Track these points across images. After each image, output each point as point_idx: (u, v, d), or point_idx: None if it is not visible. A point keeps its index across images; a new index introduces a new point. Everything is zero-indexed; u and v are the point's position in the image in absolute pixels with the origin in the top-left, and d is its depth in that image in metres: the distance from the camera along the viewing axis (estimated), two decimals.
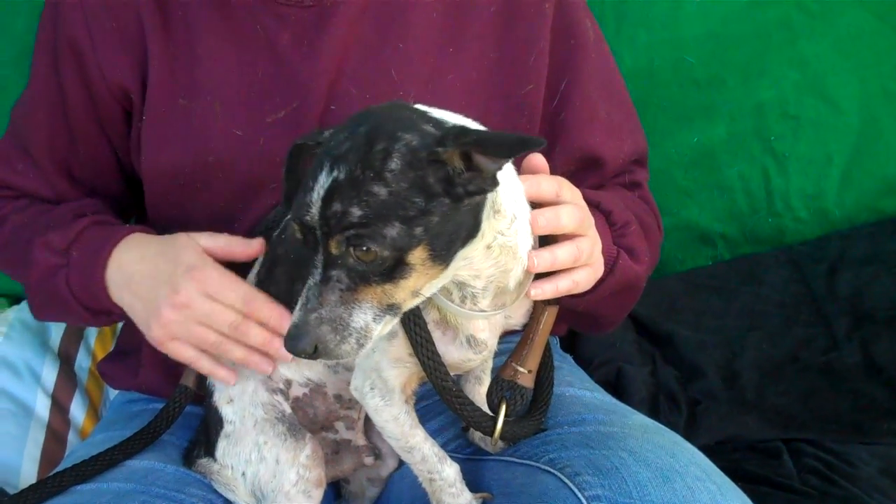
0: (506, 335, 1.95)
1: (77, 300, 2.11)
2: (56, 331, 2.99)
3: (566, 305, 1.90)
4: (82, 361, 2.98)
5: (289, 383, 2.07)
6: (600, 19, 3.30)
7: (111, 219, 2.23)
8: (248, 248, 2.01)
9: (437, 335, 1.78)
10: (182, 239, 2.00)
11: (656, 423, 2.06)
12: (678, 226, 3.56)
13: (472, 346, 1.81)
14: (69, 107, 2.21)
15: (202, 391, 2.15)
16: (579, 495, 1.76)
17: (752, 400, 2.81)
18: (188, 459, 2.16)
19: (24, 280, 2.21)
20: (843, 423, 2.70)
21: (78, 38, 2.13)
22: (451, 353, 1.81)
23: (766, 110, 3.46)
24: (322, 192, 1.49)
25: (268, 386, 2.06)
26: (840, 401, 2.77)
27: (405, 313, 1.63)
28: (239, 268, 2.03)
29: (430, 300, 1.70)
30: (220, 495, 2.10)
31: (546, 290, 1.78)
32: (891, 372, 2.82)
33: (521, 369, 1.90)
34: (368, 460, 2.20)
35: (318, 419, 2.11)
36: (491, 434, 1.91)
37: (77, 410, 2.87)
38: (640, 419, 2.08)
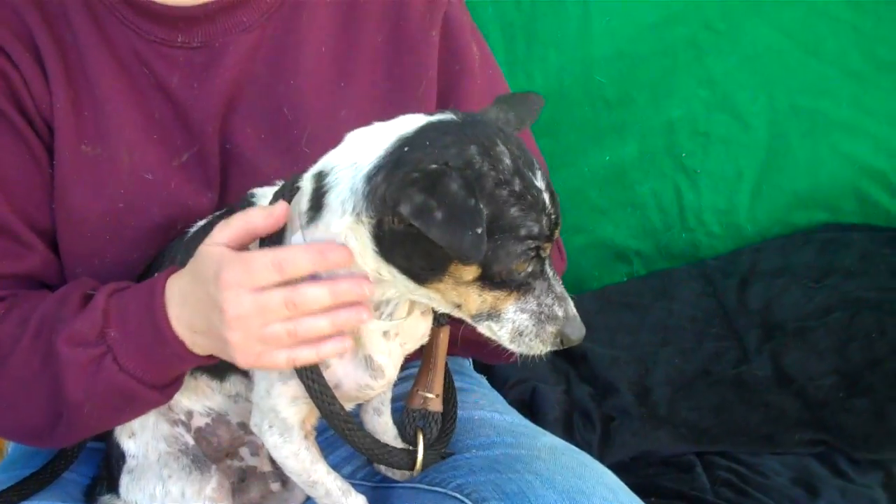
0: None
1: (139, 381, 1.82)
2: None
3: (469, 336, 1.89)
4: None
5: (190, 414, 2.02)
6: (511, 40, 3.37)
7: (122, 283, 1.95)
8: (270, 216, 1.70)
9: (334, 360, 1.75)
10: (201, 253, 1.73)
11: (566, 444, 2.05)
12: (593, 243, 3.59)
13: (371, 370, 1.78)
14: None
15: None
16: None
17: (664, 415, 2.82)
18: (90, 497, 2.11)
19: (57, 402, 1.87)
20: (755, 435, 2.72)
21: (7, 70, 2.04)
22: (350, 376, 1.78)
23: (676, 128, 3.51)
24: (549, 195, 1.56)
25: (168, 418, 2.01)
26: (751, 413, 2.78)
27: None
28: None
29: None
30: None
31: None
32: (800, 382, 2.85)
33: (429, 395, 1.91)
34: (275, 486, 2.16)
35: (223, 447, 2.07)
36: (398, 467, 1.92)
37: None
38: (549, 440, 2.07)
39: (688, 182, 3.55)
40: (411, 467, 1.92)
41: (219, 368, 1.84)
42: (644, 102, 3.48)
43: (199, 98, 2.02)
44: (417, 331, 1.84)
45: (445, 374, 2.01)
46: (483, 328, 1.64)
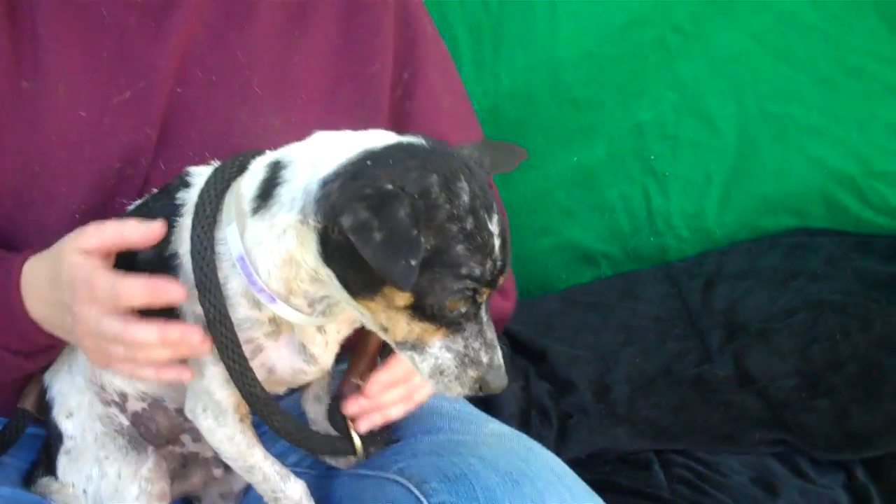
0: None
1: (3, 347, 1.89)
2: None
3: None
4: None
5: (124, 396, 1.99)
6: (478, 41, 3.37)
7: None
8: (148, 233, 1.68)
9: (269, 343, 1.74)
10: (62, 255, 1.75)
11: (514, 431, 2.04)
12: (561, 246, 3.57)
13: (305, 355, 1.77)
14: None
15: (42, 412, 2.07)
16: (425, 502, 1.74)
17: (623, 413, 2.78)
18: (29, 480, 2.08)
19: None
20: (714, 434, 2.68)
21: None
22: (284, 360, 1.77)
23: (644, 130, 3.49)
24: (500, 242, 1.55)
25: (101, 398, 1.99)
26: (711, 412, 2.75)
27: (209, 315, 1.65)
28: None
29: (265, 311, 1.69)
30: None
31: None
32: (762, 382, 2.81)
33: (360, 383, 1.88)
34: (217, 472, 2.13)
35: (162, 433, 2.04)
36: (323, 452, 1.95)
37: None
38: (496, 427, 2.06)
39: (656, 185, 3.53)
40: (342, 453, 1.94)
41: None
42: (612, 104, 3.46)
43: (155, 39, 2.02)
44: (350, 315, 1.80)
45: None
46: (405, 356, 1.63)
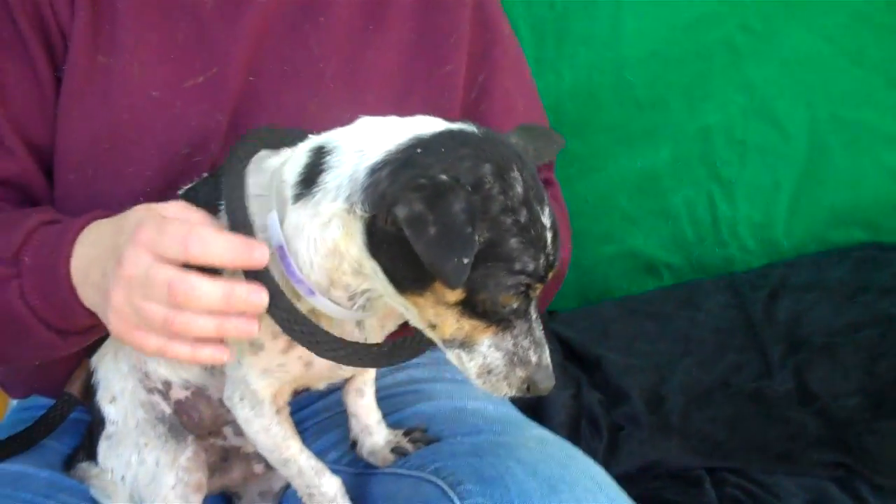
0: None
1: (38, 318, 1.78)
2: None
3: None
4: None
5: (168, 384, 1.98)
6: (541, 37, 3.31)
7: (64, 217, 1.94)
8: (249, 252, 1.54)
9: None
10: (135, 209, 1.67)
11: (557, 437, 1.97)
12: (622, 254, 3.50)
13: None
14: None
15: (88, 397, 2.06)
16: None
17: (676, 425, 2.70)
18: (69, 464, 2.08)
19: None
20: (771, 452, 2.58)
21: None
22: None
23: (711, 134, 3.40)
24: (551, 235, 1.50)
25: (145, 385, 1.98)
26: (769, 429, 2.65)
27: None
28: None
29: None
30: (95, 503, 2.02)
31: None
32: (824, 400, 2.70)
33: None
34: (258, 468, 2.12)
35: (205, 424, 2.02)
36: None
37: None
38: (539, 432, 2.00)
39: (722, 192, 3.43)
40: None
41: None
42: (678, 106, 3.38)
43: (231, 22, 2.02)
44: (395, 310, 1.75)
45: None
46: (452, 356, 1.58)
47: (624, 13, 3.29)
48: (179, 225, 1.54)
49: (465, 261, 1.39)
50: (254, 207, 1.62)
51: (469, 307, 1.50)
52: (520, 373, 1.55)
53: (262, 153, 1.70)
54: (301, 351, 1.69)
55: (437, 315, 1.53)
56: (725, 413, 2.72)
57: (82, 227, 1.73)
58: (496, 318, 1.52)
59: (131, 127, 1.99)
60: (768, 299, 3.15)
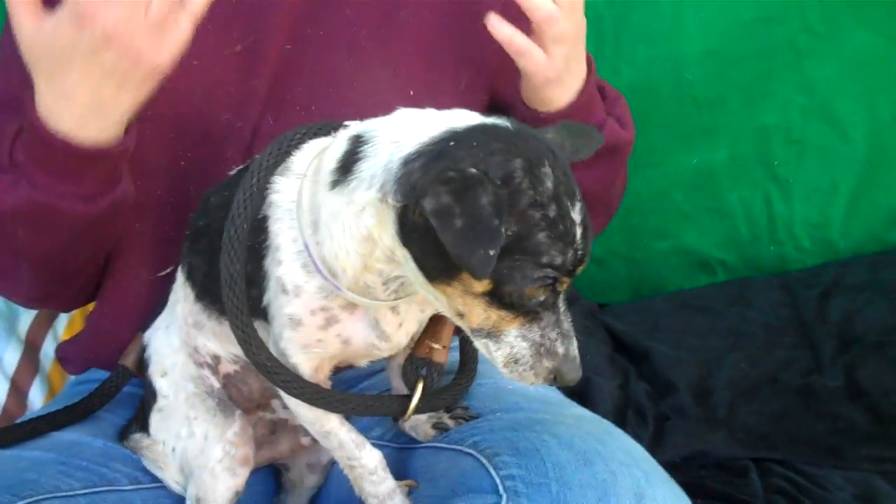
0: None
1: (56, 193, 1.85)
2: (25, 317, 2.95)
3: None
4: (48, 350, 2.94)
5: (217, 359, 2.02)
6: (599, 34, 3.31)
7: None
8: None
9: (344, 315, 1.72)
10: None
11: (595, 415, 1.99)
12: (677, 250, 3.49)
13: (379, 331, 1.75)
14: None
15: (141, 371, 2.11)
16: (494, 475, 1.70)
17: (722, 417, 2.69)
18: (122, 435, 2.12)
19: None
20: (818, 446, 2.56)
21: None
22: (359, 333, 1.75)
23: (769, 134, 3.38)
24: (581, 230, 1.52)
25: (195, 359, 2.02)
26: (817, 423, 2.63)
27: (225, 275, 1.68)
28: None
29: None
30: (148, 473, 2.05)
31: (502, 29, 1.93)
32: (874, 396, 2.68)
33: (435, 346, 1.86)
34: (305, 440, 2.14)
35: (254, 397, 2.07)
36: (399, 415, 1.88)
37: (35, 396, 2.83)
38: (578, 410, 2.02)
39: (779, 192, 3.41)
40: (390, 412, 1.90)
41: None
42: (736, 105, 3.36)
43: None
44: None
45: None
46: (480, 344, 1.61)
47: (685, 10, 3.28)
48: None
49: (492, 253, 1.41)
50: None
51: (496, 298, 1.52)
52: (547, 363, 1.57)
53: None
54: (339, 328, 1.72)
55: (464, 304, 1.55)
56: (773, 407, 2.71)
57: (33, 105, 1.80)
58: (523, 310, 1.54)
59: (171, 94, 1.98)
60: (821, 297, 3.13)
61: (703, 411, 2.72)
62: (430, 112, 1.62)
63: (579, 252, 1.51)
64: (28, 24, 1.72)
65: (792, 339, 2.99)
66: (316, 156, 1.67)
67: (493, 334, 1.57)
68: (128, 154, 1.89)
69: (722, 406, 2.73)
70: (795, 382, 2.79)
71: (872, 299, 3.06)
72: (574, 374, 1.58)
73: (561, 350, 1.57)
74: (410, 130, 1.55)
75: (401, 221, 1.52)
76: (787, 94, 3.35)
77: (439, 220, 1.41)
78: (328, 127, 1.72)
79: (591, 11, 3.27)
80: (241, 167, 1.89)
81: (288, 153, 1.70)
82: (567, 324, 1.58)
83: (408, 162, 1.51)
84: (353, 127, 1.67)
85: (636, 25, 3.31)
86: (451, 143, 1.50)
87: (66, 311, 2.56)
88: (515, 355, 1.57)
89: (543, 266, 1.48)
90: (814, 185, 3.40)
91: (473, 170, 1.44)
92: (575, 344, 1.59)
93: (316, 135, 1.72)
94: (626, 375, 2.87)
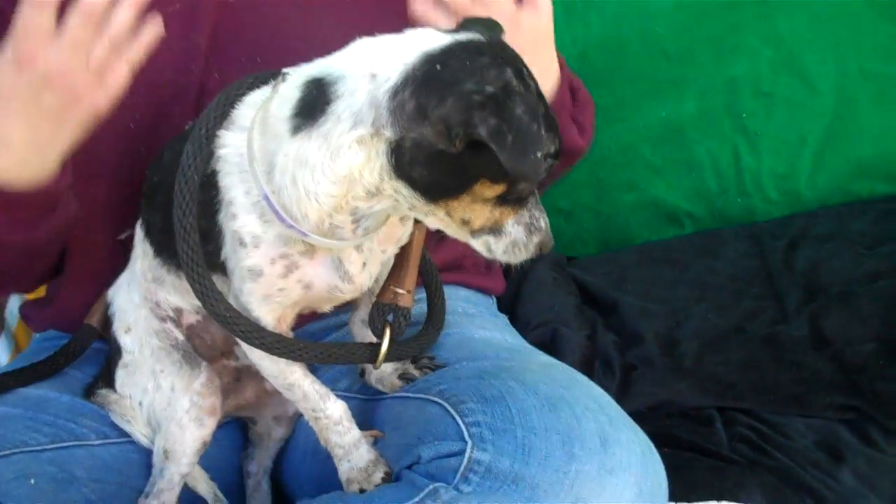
0: None
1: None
2: None
3: None
4: (13, 307, 2.94)
5: (179, 311, 2.04)
6: None
7: None
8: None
9: (304, 261, 1.73)
10: None
11: (561, 363, 2.01)
12: (644, 202, 3.48)
13: (341, 272, 1.77)
14: None
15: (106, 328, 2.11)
16: (459, 422, 1.73)
17: (689, 367, 2.71)
18: (89, 392, 2.13)
19: None
20: (783, 395, 2.58)
21: None
22: (321, 277, 1.76)
23: (738, 86, 3.37)
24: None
25: (157, 314, 2.04)
26: (781, 372, 2.65)
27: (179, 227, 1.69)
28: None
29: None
30: (116, 427, 2.07)
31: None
32: (838, 346, 2.69)
33: (399, 291, 1.88)
34: (269, 386, 2.12)
35: (217, 345, 2.09)
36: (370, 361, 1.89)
37: (1, 353, 2.85)
38: (545, 358, 2.04)
39: (747, 144, 3.40)
40: (360, 360, 1.93)
41: None
42: (705, 58, 3.35)
43: None
44: (395, 234, 1.82)
45: (434, 280, 2.04)
46: (479, 243, 1.66)
47: None
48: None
49: (539, 154, 1.48)
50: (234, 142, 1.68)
51: (503, 197, 1.59)
52: (535, 238, 1.66)
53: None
54: (299, 274, 1.74)
55: (471, 212, 1.60)
56: (739, 357, 2.72)
57: None
58: (522, 200, 1.62)
59: None
60: (788, 248, 3.14)
61: (669, 361, 2.74)
62: (386, 38, 1.61)
63: (559, 138, 1.57)
64: None
65: (758, 290, 2.99)
66: (261, 107, 1.66)
67: (494, 230, 1.64)
68: (62, 188, 1.88)
69: (688, 356, 2.75)
70: (761, 332, 2.80)
71: (838, 250, 3.06)
72: (552, 242, 1.70)
73: (542, 224, 1.66)
74: (383, 61, 1.55)
75: (396, 153, 1.53)
76: (756, 47, 3.34)
77: (496, 141, 1.45)
78: (274, 76, 1.71)
79: None
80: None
81: (233, 105, 1.69)
82: (537, 197, 1.67)
83: (397, 92, 1.51)
84: (302, 72, 1.65)
85: None
86: (437, 66, 1.51)
87: (29, 292, 2.54)
88: (514, 241, 1.65)
89: (547, 157, 1.52)
90: (781, 137, 3.39)
91: (491, 87, 1.48)
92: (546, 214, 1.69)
93: (263, 84, 1.71)
94: (594, 327, 2.87)
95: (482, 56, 1.52)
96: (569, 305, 2.89)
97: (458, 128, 1.47)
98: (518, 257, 1.67)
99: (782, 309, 2.90)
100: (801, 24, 3.32)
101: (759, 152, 3.41)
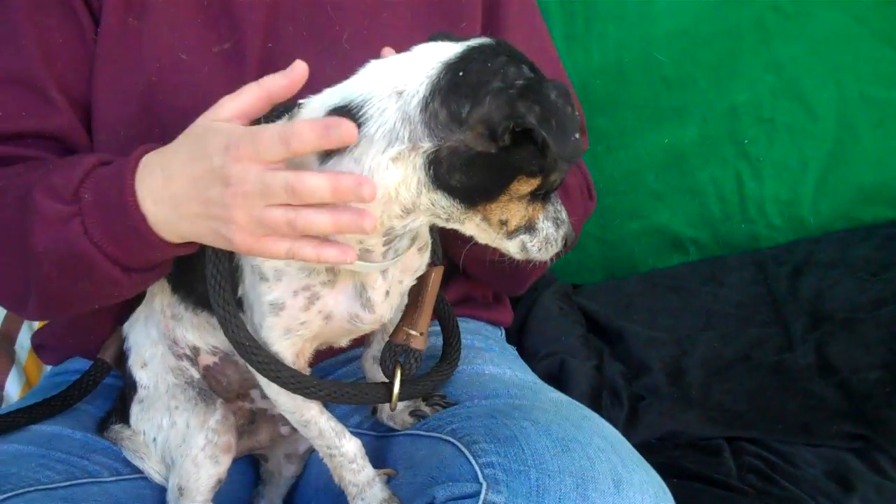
0: None
1: (103, 253, 1.76)
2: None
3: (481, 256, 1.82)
4: (24, 341, 2.94)
5: (196, 350, 2.04)
6: (570, 15, 3.32)
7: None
8: (289, 76, 1.64)
9: (325, 291, 1.73)
10: (201, 127, 1.67)
11: (572, 400, 2.01)
12: (649, 230, 3.50)
13: (363, 299, 1.76)
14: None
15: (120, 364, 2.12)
16: (473, 462, 1.72)
17: (696, 397, 2.72)
18: (102, 427, 2.13)
19: (25, 256, 1.82)
20: (790, 423, 2.59)
21: None
22: (341, 305, 1.75)
23: (739, 113, 3.39)
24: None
25: (174, 351, 2.04)
26: (788, 400, 2.66)
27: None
28: None
29: None
30: (128, 464, 2.07)
31: None
32: (845, 374, 2.71)
33: (412, 332, 1.89)
34: (285, 430, 2.17)
35: (233, 388, 2.09)
36: (388, 400, 1.89)
37: (12, 387, 2.85)
38: (555, 395, 2.04)
39: (750, 170, 3.42)
40: (373, 401, 1.94)
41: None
42: (706, 85, 3.37)
43: None
44: (413, 264, 1.83)
45: (450, 320, 2.05)
46: (514, 245, 1.68)
47: None
48: (269, 128, 1.56)
49: (578, 135, 1.52)
50: None
51: (536, 192, 1.61)
52: (561, 231, 1.69)
53: None
54: (321, 305, 1.74)
55: (507, 212, 1.62)
56: (745, 385, 2.73)
57: (139, 159, 1.73)
58: (548, 194, 1.65)
59: (160, 89, 2.03)
60: (792, 275, 3.15)
61: (676, 391, 2.75)
62: (398, 57, 1.63)
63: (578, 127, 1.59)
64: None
65: (764, 317, 3.01)
66: None
67: (528, 228, 1.66)
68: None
69: (695, 385, 2.76)
70: (767, 360, 2.82)
71: (842, 277, 3.08)
72: (574, 234, 1.74)
73: (565, 215, 1.70)
74: (404, 77, 1.56)
75: (434, 164, 1.54)
76: (757, 74, 3.36)
77: (545, 127, 1.48)
78: (288, 109, 1.71)
79: None
80: None
81: None
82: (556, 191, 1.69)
83: (427, 104, 1.53)
84: (316, 102, 1.65)
85: (606, 6, 3.31)
86: (460, 73, 1.53)
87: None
88: (547, 237, 1.68)
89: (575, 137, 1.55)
90: (784, 163, 3.41)
91: (521, 81, 1.52)
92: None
93: (278, 119, 1.70)
94: (601, 356, 2.88)
95: (499, 56, 1.55)
96: (575, 335, 2.90)
97: (506, 122, 1.49)
98: (549, 252, 1.69)
99: (788, 336, 2.91)
100: (802, 51, 3.35)
101: (761, 178, 3.43)
